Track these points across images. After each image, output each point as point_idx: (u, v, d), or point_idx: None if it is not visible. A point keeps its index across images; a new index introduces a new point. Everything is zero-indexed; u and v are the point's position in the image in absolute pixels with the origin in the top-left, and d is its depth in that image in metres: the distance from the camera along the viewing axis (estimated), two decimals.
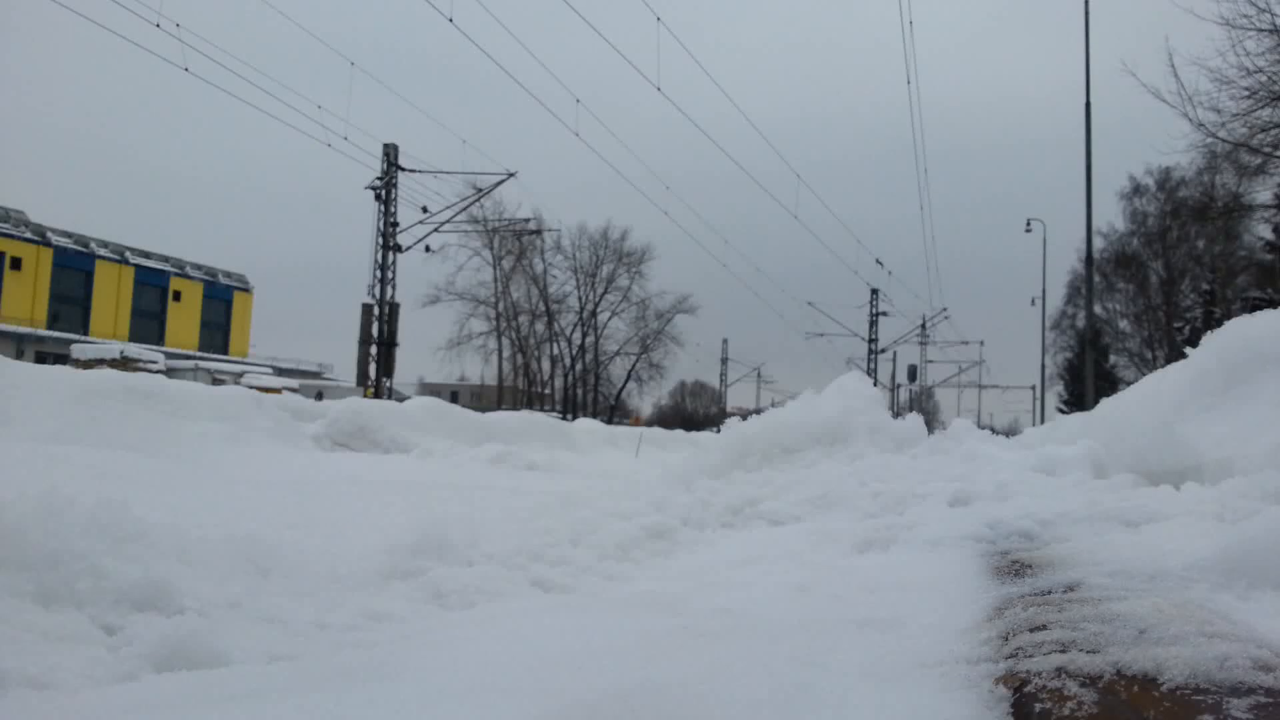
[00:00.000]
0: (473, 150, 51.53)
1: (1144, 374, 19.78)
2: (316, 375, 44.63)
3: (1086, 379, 19.87)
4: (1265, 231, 30.51)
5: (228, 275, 48.92)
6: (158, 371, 20.70)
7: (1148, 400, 5.93)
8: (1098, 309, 36.72)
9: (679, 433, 23.30)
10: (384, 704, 1.75)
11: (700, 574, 3.73)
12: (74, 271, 41.12)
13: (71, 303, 41.02)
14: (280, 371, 36.49)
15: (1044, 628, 2.06)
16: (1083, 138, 17.90)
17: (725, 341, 66.37)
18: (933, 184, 77.98)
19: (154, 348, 34.40)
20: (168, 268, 45.57)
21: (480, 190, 34.63)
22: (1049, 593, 2.52)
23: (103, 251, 42.49)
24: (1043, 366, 39.78)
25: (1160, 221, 39.89)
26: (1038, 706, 1.60)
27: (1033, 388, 48.07)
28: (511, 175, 32.84)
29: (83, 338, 35.69)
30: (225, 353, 45.51)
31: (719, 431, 10.85)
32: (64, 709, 1.80)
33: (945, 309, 51.47)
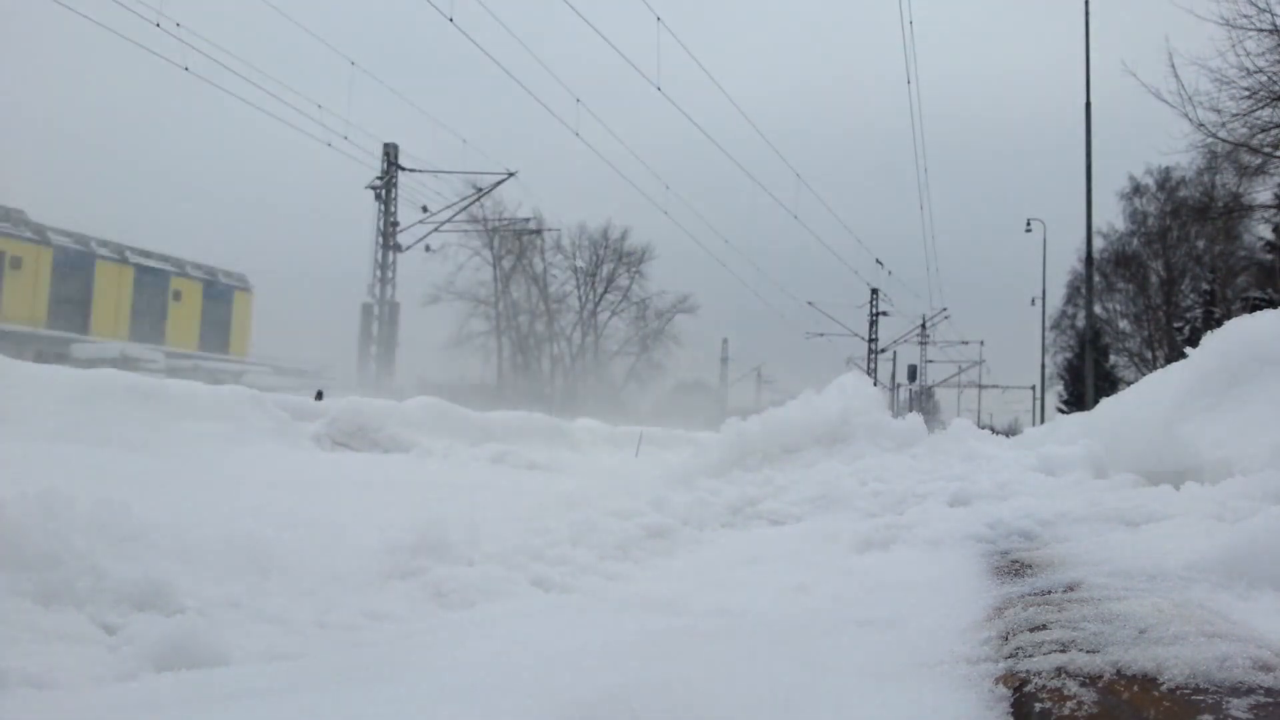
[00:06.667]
0: (473, 150, 51.28)
1: (1144, 374, 19.77)
2: (317, 375, 44.56)
3: (1086, 379, 19.88)
4: (1265, 231, 30.52)
5: (228, 275, 48.88)
6: (157, 371, 20.71)
7: (1148, 400, 5.93)
8: (1098, 309, 36.73)
9: (679, 432, 23.31)
10: (384, 704, 1.75)
11: (700, 574, 3.73)
12: (74, 271, 41.10)
13: (71, 303, 41.00)
14: (280, 371, 36.46)
15: (1044, 627, 2.06)
16: (1083, 138, 17.93)
17: (725, 341, 66.36)
18: (933, 184, 77.96)
19: (154, 347, 34.36)
20: (168, 268, 45.53)
21: (480, 190, 34.66)
22: (1049, 592, 2.52)
23: (103, 251, 42.46)
24: (1043, 366, 39.83)
25: (1160, 221, 39.92)
26: (1038, 706, 1.60)
27: (1033, 388, 48.06)
28: (511, 175, 32.88)
29: (83, 337, 35.66)
30: (225, 353, 45.50)
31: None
32: (64, 708, 1.81)
33: (945, 309, 51.41)
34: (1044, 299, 38.83)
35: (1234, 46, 15.07)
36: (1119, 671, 1.67)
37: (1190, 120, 15.86)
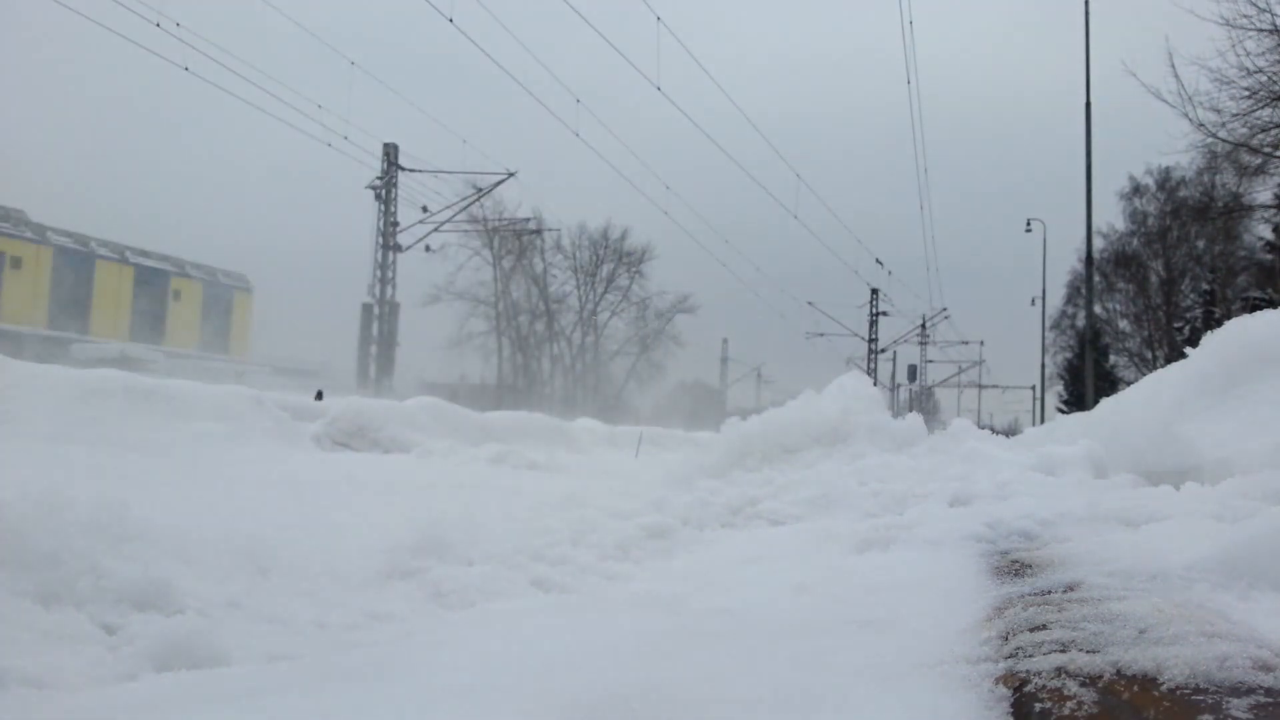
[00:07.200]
0: (473, 150, 51.21)
1: (1144, 374, 19.78)
2: (316, 376, 44.52)
3: (1086, 379, 19.88)
4: (1265, 231, 30.50)
5: (228, 275, 48.85)
6: (157, 371, 20.71)
7: (1148, 400, 5.94)
8: (1098, 309, 36.70)
9: (679, 432, 23.32)
10: (384, 704, 1.75)
11: (700, 574, 3.73)
12: (74, 271, 41.08)
13: (71, 303, 40.99)
14: (280, 371, 36.47)
15: (1044, 627, 2.06)
16: (1083, 138, 17.93)
17: (725, 341, 66.36)
18: (933, 184, 77.91)
19: (154, 347, 34.37)
20: (168, 268, 45.51)
21: (480, 190, 34.69)
22: (1049, 592, 2.52)
23: (103, 251, 42.45)
24: (1043, 366, 39.82)
25: (1160, 221, 39.88)
26: (1038, 706, 1.60)
27: (1033, 388, 48.02)
28: (511, 175, 32.92)
29: (83, 338, 35.67)
30: (225, 353, 45.49)
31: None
32: (64, 708, 1.81)
33: (945, 309, 51.37)
34: (1044, 299, 38.85)
35: (1234, 46, 15.08)
36: (1119, 671, 1.67)
37: (1190, 120, 15.88)
